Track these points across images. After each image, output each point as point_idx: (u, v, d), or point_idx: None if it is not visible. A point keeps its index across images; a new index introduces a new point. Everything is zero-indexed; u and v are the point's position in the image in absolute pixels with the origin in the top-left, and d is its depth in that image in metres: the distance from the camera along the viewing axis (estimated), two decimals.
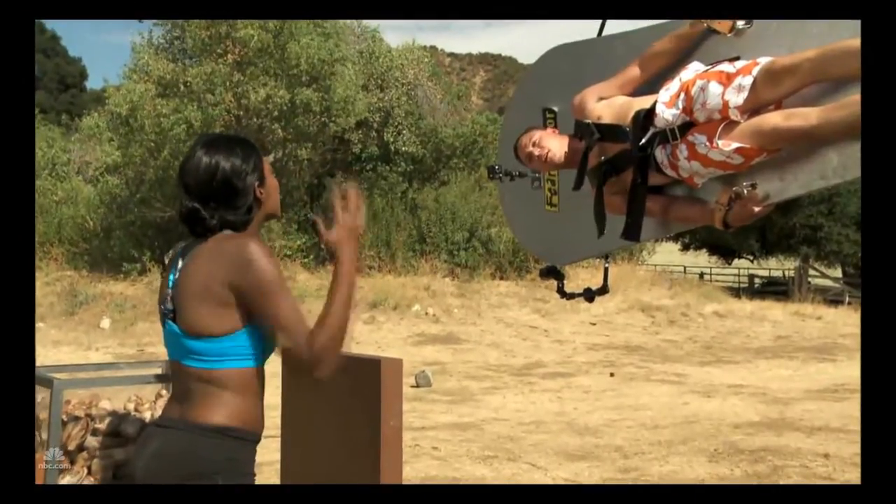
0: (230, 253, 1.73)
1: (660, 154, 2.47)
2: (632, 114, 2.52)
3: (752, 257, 30.41)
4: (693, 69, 2.43)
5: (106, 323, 13.35)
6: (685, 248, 31.90)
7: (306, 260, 17.06)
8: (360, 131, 18.66)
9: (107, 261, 15.98)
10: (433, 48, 26.56)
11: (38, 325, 13.16)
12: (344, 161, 19.13)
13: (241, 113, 15.65)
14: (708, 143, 2.32)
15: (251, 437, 1.77)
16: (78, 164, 21.24)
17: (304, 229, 18.08)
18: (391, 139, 19.08)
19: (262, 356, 1.79)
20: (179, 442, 1.69)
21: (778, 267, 30.72)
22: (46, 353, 11.52)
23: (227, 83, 15.37)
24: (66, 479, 2.58)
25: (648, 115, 2.46)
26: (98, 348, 12.22)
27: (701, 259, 32.65)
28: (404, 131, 19.16)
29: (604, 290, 3.08)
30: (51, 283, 14.98)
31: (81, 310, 13.82)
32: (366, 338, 13.67)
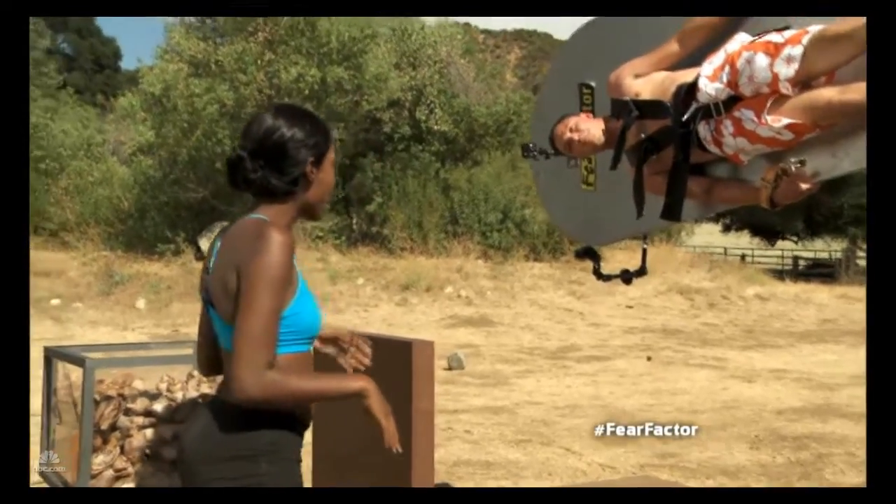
0: (245, 236, 1.66)
1: (703, 130, 2.37)
2: (673, 88, 2.41)
3: (796, 238, 29.76)
4: (739, 40, 2.30)
5: (141, 303, 13.52)
6: (726, 229, 31.33)
7: (338, 241, 17.09)
8: (391, 111, 18.56)
9: (141, 241, 16.19)
10: (467, 25, 26.27)
11: (76, 304, 13.40)
12: (376, 141, 19.07)
13: (273, 92, 15.66)
14: (756, 119, 2.20)
15: (294, 424, 1.73)
16: (113, 145, 21.51)
17: (335, 211, 18.09)
18: (423, 118, 18.96)
19: (304, 341, 1.73)
20: (223, 425, 1.67)
21: (824, 248, 30.03)
22: (84, 333, 11.73)
23: (259, 62, 15.38)
24: (100, 459, 2.57)
25: (691, 89, 2.36)
26: (134, 328, 12.38)
27: (743, 240, 32.07)
28: (437, 110, 19.00)
29: (642, 271, 3.00)
30: (88, 263, 15.19)
31: (117, 290, 13.99)
32: (398, 320, 13.67)
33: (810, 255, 30.92)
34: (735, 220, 29.22)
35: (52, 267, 14.79)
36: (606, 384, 8.85)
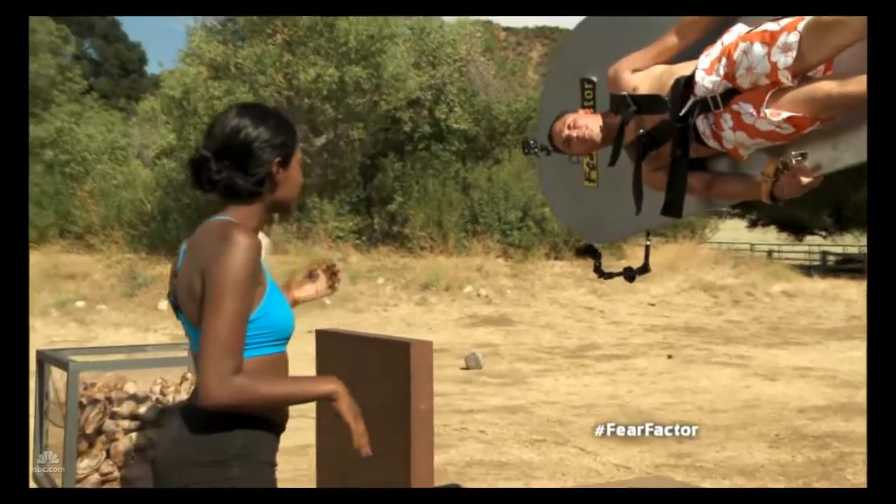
0: (209, 238, 1.63)
1: (701, 124, 2.30)
2: (671, 82, 2.35)
3: (825, 233, 29.22)
4: (736, 31, 2.23)
5: (164, 305, 13.65)
6: (752, 224, 30.86)
7: (359, 241, 17.11)
8: (411, 110, 18.55)
9: (164, 243, 16.34)
10: (487, 22, 26.16)
11: (100, 306, 13.56)
12: (396, 141, 19.06)
13: (292, 93, 15.72)
14: (755, 113, 2.13)
15: (268, 427, 1.69)
16: (137, 148, 21.78)
17: (356, 211, 18.12)
18: (443, 117, 18.91)
19: (276, 342, 1.70)
20: (194, 430, 1.64)
21: (853, 244, 29.47)
22: (107, 335, 11.87)
23: (277, 63, 15.46)
24: (85, 463, 2.55)
25: (688, 83, 2.29)
26: (156, 330, 12.50)
27: (769, 236, 31.57)
28: (456, 108, 18.96)
29: (644, 269, 2.93)
30: (112, 265, 15.37)
31: (140, 292, 14.13)
32: (417, 319, 13.64)
33: (839, 250, 30.37)
34: (761, 215, 28.78)
35: (77, 269, 14.99)
36: (625, 383, 8.74)
